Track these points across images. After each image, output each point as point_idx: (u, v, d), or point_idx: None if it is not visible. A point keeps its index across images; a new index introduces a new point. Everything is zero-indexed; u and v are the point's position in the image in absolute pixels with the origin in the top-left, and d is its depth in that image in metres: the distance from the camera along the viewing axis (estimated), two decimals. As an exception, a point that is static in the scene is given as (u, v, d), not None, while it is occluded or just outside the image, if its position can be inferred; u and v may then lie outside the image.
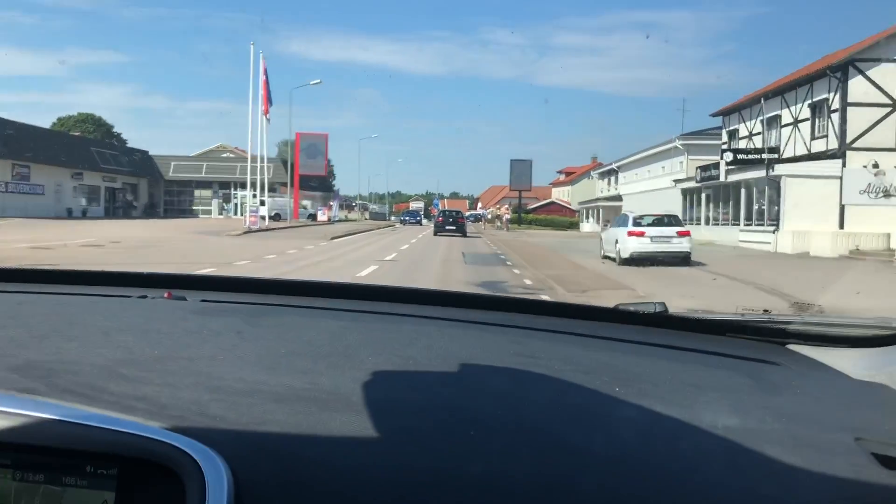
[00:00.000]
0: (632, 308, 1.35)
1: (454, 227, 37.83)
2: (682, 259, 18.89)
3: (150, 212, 57.98)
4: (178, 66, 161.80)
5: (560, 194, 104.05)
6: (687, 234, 19.15)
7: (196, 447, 0.66)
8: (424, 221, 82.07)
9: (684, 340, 1.21)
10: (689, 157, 40.50)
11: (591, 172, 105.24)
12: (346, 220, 71.83)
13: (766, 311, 2.11)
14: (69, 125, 79.02)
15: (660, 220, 19.78)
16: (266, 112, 35.64)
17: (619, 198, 56.77)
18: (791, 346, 1.19)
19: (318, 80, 43.07)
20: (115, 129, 76.24)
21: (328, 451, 0.70)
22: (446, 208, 54.86)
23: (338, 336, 1.10)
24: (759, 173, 27.24)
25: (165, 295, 1.35)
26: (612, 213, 59.49)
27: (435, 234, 37.12)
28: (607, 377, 0.94)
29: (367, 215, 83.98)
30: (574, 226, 77.02)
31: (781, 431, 0.80)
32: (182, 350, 0.98)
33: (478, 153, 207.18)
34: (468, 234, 39.03)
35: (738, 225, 29.93)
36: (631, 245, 18.76)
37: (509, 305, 1.49)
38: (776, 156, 28.25)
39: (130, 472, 0.66)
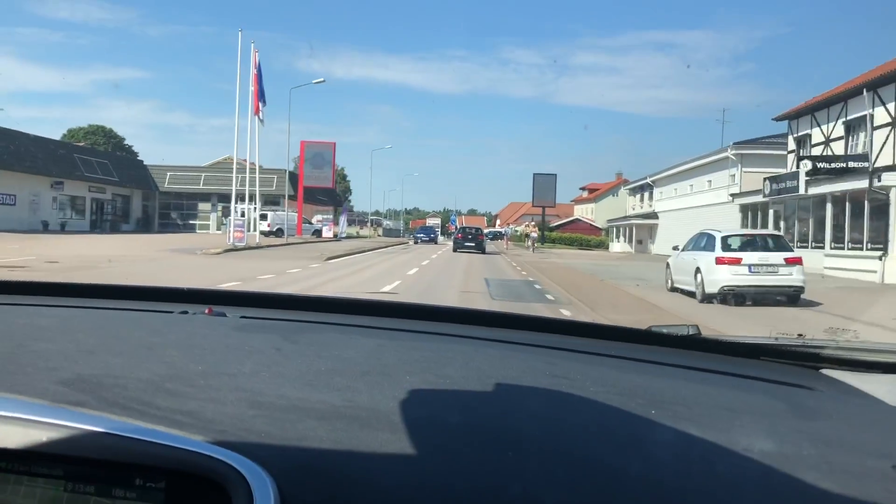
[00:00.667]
0: (665, 330, 1.36)
1: (473, 244, 37.84)
2: (792, 296, 13.65)
3: (143, 226, 53.33)
4: (200, 82, 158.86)
5: (583, 212, 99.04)
6: (798, 261, 13.81)
7: (242, 462, 0.67)
8: (441, 239, 77.87)
9: (718, 363, 1.20)
10: (744, 168, 35.15)
11: (621, 188, 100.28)
12: (357, 236, 67.05)
13: (800, 335, 1.58)
14: (79, 136, 76.26)
15: (758, 242, 14.46)
16: (257, 111, 30.68)
17: (654, 215, 51.51)
18: (825, 371, 1.18)
19: (322, 80, 39.12)
20: (126, 143, 74.36)
21: (369, 468, 0.71)
22: (465, 225, 54.87)
23: (375, 354, 1.12)
24: (857, 184, 22.00)
25: (206, 311, 1.38)
26: (645, 233, 55.00)
27: (454, 250, 37.49)
28: (642, 399, 0.94)
29: (380, 231, 79.06)
30: (601, 245, 71.77)
31: (817, 457, 0.79)
32: (224, 366, 0.99)
33: (496, 171, 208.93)
34: (487, 252, 38.58)
35: (823, 248, 24.66)
36: (722, 276, 13.54)
37: (542, 325, 1.50)
38: (866, 164, 22.91)
39: (178, 486, 0.68)
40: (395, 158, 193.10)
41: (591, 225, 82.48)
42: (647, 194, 56.28)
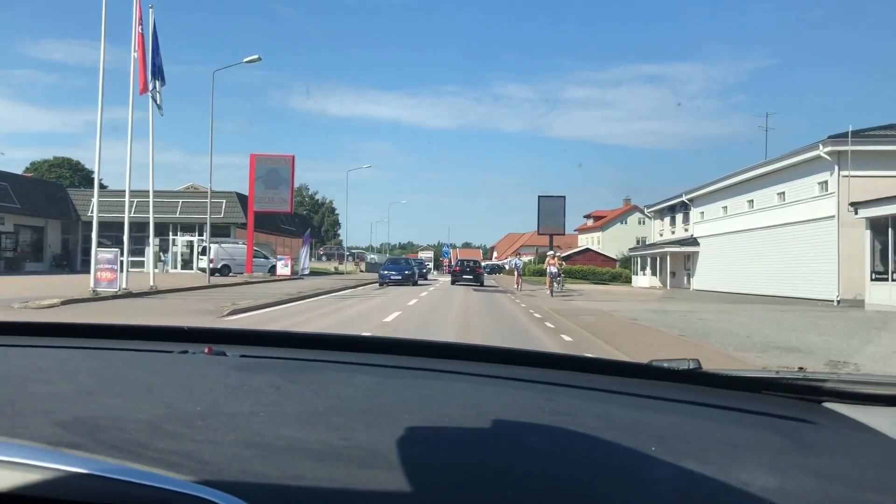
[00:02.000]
0: (665, 364, 1.34)
1: (471, 277, 37.09)
2: None
3: (61, 263, 42.77)
4: (194, 120, 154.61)
5: (588, 241, 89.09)
6: None
7: None
8: (434, 274, 69.45)
9: (719, 398, 1.20)
10: (845, 170, 24.90)
11: (630, 214, 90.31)
12: (334, 272, 56.68)
13: (800, 368, 1.83)
14: (43, 170, 68.60)
15: None
16: (143, 89, 20.30)
17: (692, 241, 41.34)
18: (827, 405, 1.17)
19: (257, 57, 30.86)
20: (96, 176, 65.79)
21: None
22: (463, 258, 50.30)
23: (373, 393, 1.12)
24: None
25: (206, 350, 1.39)
26: (679, 263, 44.70)
27: (452, 283, 36.81)
28: (642, 436, 0.94)
29: (362, 266, 68.63)
30: (617, 278, 61.43)
31: (819, 492, 0.80)
32: (223, 406, 0.99)
33: (490, 204, 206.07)
34: (488, 288, 35.72)
35: None
36: None
37: (541, 361, 1.49)
38: None
39: None
40: (388, 193, 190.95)
41: (602, 255, 72.36)
42: (679, 216, 46.17)
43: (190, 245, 45.46)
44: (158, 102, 21.29)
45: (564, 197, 56.76)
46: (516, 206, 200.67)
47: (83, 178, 69.47)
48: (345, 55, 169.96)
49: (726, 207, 36.49)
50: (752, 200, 32.92)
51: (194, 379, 1.17)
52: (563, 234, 57.29)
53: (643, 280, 49.26)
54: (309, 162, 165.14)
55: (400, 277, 37.74)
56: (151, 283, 21.15)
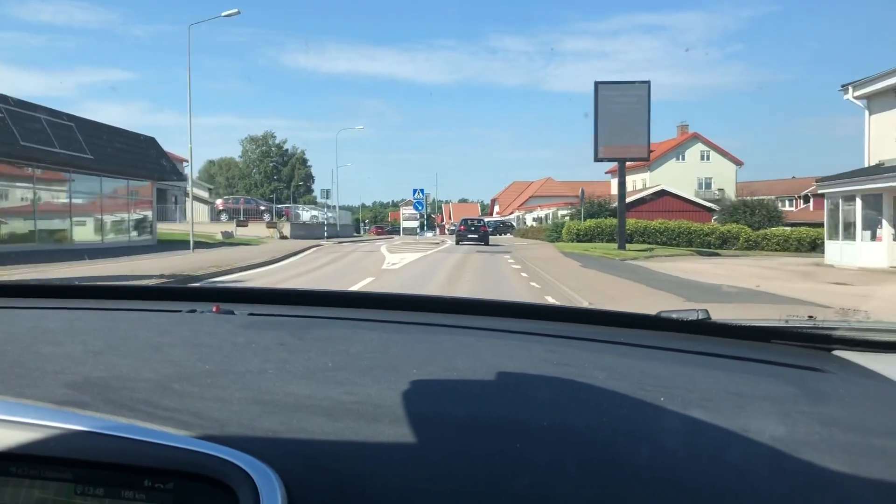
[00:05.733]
0: (674, 315, 1.34)
1: (476, 237, 35.54)
2: None
3: None
4: (186, 81, 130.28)
5: (629, 185, 62.15)
6: None
7: (249, 461, 0.68)
8: (429, 235, 57.94)
9: (728, 348, 1.20)
10: None
11: (693, 144, 62.70)
12: (216, 242, 29.83)
13: (811, 316, 1.32)
14: None
15: None
16: None
17: None
18: (837, 353, 1.18)
19: (236, 11, 24.79)
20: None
21: (377, 465, 0.71)
22: (468, 217, 46.08)
23: (382, 348, 1.12)
24: None
25: (214, 309, 1.38)
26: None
27: (457, 242, 35.76)
28: (651, 386, 0.93)
29: (285, 230, 41.14)
30: (722, 240, 34.12)
31: (829, 440, 0.79)
32: (231, 364, 0.99)
33: (489, 160, 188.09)
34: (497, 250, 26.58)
35: None
36: None
37: (548, 314, 1.50)
38: None
39: (186, 487, 0.68)
40: (383, 151, 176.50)
41: (688, 202, 44.70)
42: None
43: None
44: None
45: (648, 83, 28.58)
46: (513, 163, 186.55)
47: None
48: (336, 9, 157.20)
49: None
50: None
51: (202, 337, 1.16)
52: (647, 158, 29.53)
53: (876, 251, 21.28)
54: (302, 122, 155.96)
55: None
56: None
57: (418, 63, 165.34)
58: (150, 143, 29.97)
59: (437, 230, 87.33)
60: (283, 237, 40.58)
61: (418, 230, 59.71)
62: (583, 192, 39.94)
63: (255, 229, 41.89)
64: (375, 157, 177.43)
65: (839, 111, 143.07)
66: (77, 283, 1.65)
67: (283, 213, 46.19)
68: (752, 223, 37.57)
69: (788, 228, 36.22)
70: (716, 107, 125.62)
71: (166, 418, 0.75)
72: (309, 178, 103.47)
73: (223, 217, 44.25)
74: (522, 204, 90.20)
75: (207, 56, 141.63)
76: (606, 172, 77.23)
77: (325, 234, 41.81)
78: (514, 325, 1.34)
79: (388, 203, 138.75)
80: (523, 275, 16.79)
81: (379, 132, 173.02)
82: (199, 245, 26.58)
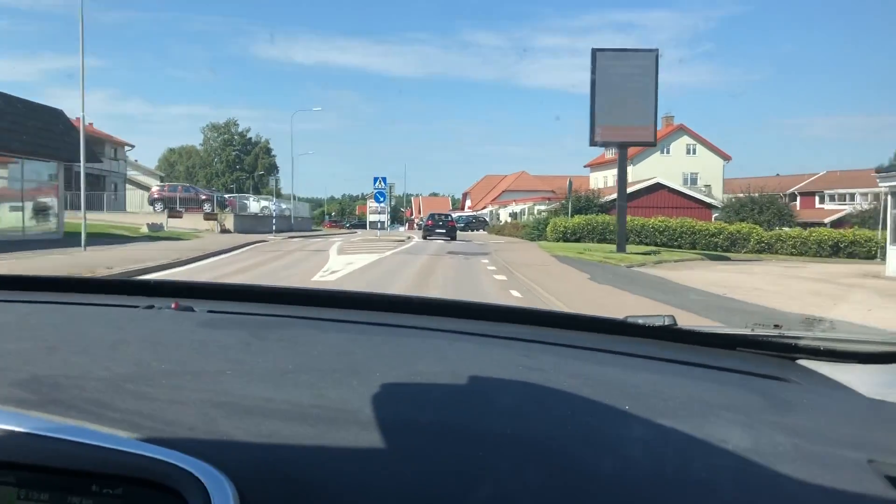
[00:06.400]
0: (641, 321, 1.33)
1: (444, 231, 35.29)
2: None
3: None
4: (156, 70, 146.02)
5: (607, 180, 57.55)
6: None
7: (202, 467, 0.65)
8: (402, 230, 56.86)
9: (694, 355, 1.20)
10: None
11: (679, 136, 58.18)
12: (122, 235, 24.40)
13: (776, 325, 1.28)
14: None
15: None
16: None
17: None
18: (802, 362, 1.18)
19: None
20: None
21: (336, 471, 0.69)
22: (436, 212, 44.46)
23: (345, 350, 1.10)
24: None
25: (173, 305, 1.34)
26: None
27: (424, 237, 35.53)
28: (617, 393, 0.94)
29: (228, 223, 35.61)
30: (731, 241, 29.53)
31: (794, 451, 0.79)
32: (189, 364, 0.97)
33: (459, 154, 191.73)
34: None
35: None
36: None
37: (516, 316, 1.47)
38: None
39: (135, 493, 0.66)
40: (353, 144, 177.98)
41: (687, 197, 39.93)
42: None
43: None
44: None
45: (657, 51, 23.65)
46: (482, 157, 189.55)
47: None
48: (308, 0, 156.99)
49: None
50: None
51: (160, 335, 1.13)
52: (654, 143, 24.50)
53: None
54: (273, 112, 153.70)
55: None
56: None
57: (390, 56, 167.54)
58: (56, 116, 24.43)
59: (406, 225, 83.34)
60: (224, 230, 35.22)
61: (385, 224, 55.24)
62: (570, 183, 35.01)
63: (192, 221, 36.37)
64: (346, 149, 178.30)
65: (812, 112, 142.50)
66: (32, 275, 1.59)
67: (227, 202, 40.43)
68: (760, 222, 33.02)
69: (804, 229, 31.75)
70: (689, 103, 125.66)
71: (117, 420, 0.72)
72: (273, 168, 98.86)
73: (157, 206, 38.54)
74: (496, 198, 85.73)
75: (176, 43, 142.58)
76: (586, 166, 72.92)
77: (274, 227, 36.29)
78: (481, 328, 1.31)
79: (358, 196, 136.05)
80: (514, 293, 11.72)
81: (350, 124, 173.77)
82: (115, 239, 21.33)
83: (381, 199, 32.85)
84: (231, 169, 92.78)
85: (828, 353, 1.16)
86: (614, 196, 38.87)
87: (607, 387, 0.97)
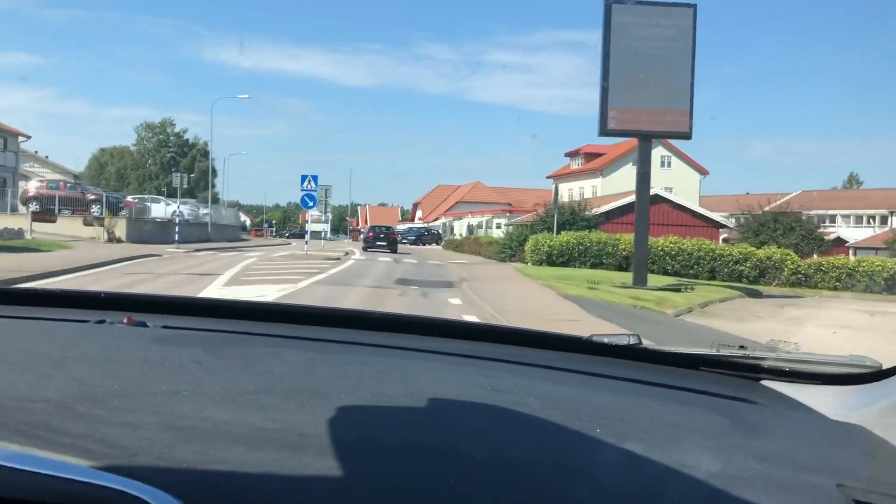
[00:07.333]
0: (606, 340, 1.32)
1: (385, 244, 34.78)
2: None
3: None
4: (101, 70, 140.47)
5: (573, 193, 51.25)
6: None
7: (158, 496, 0.62)
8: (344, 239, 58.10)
9: (659, 375, 1.20)
10: None
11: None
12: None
13: (742, 346, 1.30)
14: None
15: None
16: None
17: None
18: (766, 383, 1.19)
19: None
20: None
21: (301, 499, 0.66)
22: (377, 224, 44.24)
23: (307, 370, 1.07)
24: None
25: (125, 320, 1.28)
26: None
27: (365, 249, 34.34)
28: (586, 416, 0.92)
29: (116, 230, 27.79)
30: (759, 270, 23.05)
31: (765, 477, 0.79)
32: (142, 384, 0.92)
33: (410, 166, 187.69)
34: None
35: None
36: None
37: (480, 334, 1.45)
38: None
39: None
40: (301, 151, 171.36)
41: (693, 214, 33.31)
42: None
43: None
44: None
45: (695, 6, 16.74)
46: (435, 170, 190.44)
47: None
48: (260, 5, 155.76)
49: None
50: None
51: (111, 353, 1.08)
52: (688, 134, 17.58)
53: None
54: (219, 118, 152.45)
55: None
56: None
57: (342, 65, 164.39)
58: None
59: (351, 236, 77.42)
60: (113, 239, 27.48)
61: (326, 234, 47.96)
62: (556, 188, 28.19)
63: (72, 227, 28.75)
64: (293, 156, 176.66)
65: (752, 133, 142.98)
66: None
67: (123, 204, 32.37)
68: (787, 245, 26.67)
69: (850, 257, 25.57)
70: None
71: (67, 446, 0.69)
72: (211, 171, 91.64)
73: (33, 206, 30.32)
74: (449, 209, 79.32)
75: (123, 44, 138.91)
76: (549, 177, 66.64)
77: (177, 237, 28.52)
78: (444, 346, 1.29)
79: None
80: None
81: (298, 132, 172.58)
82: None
83: (311, 204, 25.13)
84: (165, 171, 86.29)
85: (791, 374, 1.16)
86: (607, 207, 32.49)
87: (576, 409, 0.95)
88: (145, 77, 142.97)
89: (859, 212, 57.50)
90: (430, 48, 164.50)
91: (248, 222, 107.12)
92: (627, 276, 17.94)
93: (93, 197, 31.43)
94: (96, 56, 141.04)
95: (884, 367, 1.12)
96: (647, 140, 17.09)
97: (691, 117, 17.03)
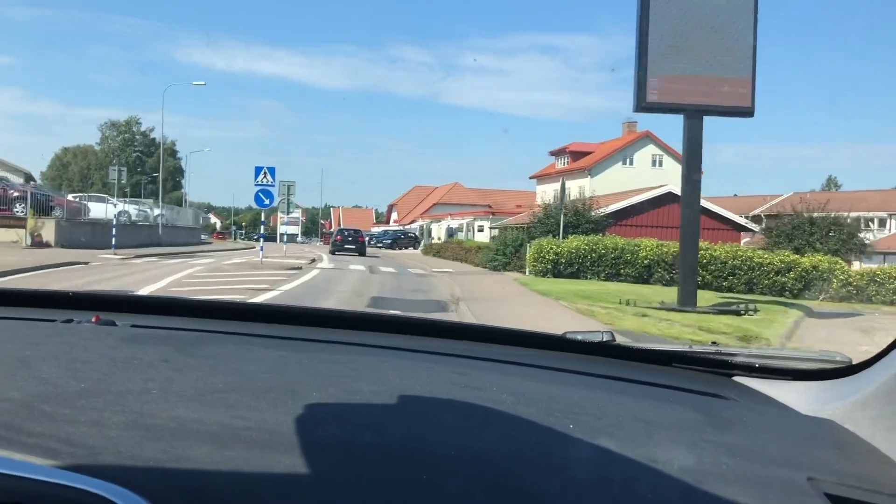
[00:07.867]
0: (579, 337, 1.33)
1: (353, 248, 35.07)
2: None
3: None
4: (70, 71, 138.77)
5: (551, 194, 47.50)
6: None
7: (125, 496, 0.61)
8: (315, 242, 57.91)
9: (632, 371, 1.21)
10: None
11: (645, 144, 48.81)
12: None
13: (714, 343, 1.39)
14: None
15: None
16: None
17: None
18: (738, 379, 1.20)
19: None
20: None
21: (273, 498, 0.66)
22: (345, 227, 42.20)
23: (279, 368, 1.06)
24: None
25: (93, 319, 1.27)
26: None
27: (332, 252, 34.86)
28: (559, 413, 0.93)
29: (42, 233, 23.42)
30: (804, 282, 19.15)
31: (737, 471, 0.80)
32: (109, 383, 0.91)
33: (384, 168, 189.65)
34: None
35: None
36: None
37: (454, 332, 1.45)
38: None
39: None
40: (275, 154, 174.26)
41: (714, 216, 29.36)
42: None
43: None
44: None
45: None
46: (408, 172, 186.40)
47: None
48: (232, 5, 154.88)
49: None
50: None
51: (78, 352, 1.06)
52: (751, 110, 13.70)
53: None
54: (193, 119, 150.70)
55: None
56: None
57: (316, 67, 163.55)
58: None
59: (322, 239, 73.68)
60: (37, 243, 23.16)
61: (289, 238, 43.78)
62: (563, 184, 24.04)
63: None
64: (267, 159, 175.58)
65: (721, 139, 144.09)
66: None
67: (55, 203, 27.91)
68: (828, 251, 23.04)
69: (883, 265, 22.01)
70: (607, 127, 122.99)
71: (31, 445, 0.67)
72: (178, 172, 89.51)
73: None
74: (426, 211, 75.29)
75: (93, 45, 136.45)
76: (532, 177, 62.84)
77: (114, 241, 24.21)
78: (418, 344, 1.29)
79: (276, 206, 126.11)
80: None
81: (273, 133, 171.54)
82: None
83: (267, 202, 20.72)
84: (131, 171, 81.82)
85: (763, 369, 1.17)
86: (617, 206, 28.32)
87: (549, 405, 0.95)
88: (116, 78, 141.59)
89: (857, 214, 54.73)
90: (405, 50, 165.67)
91: (218, 224, 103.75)
92: (662, 292, 14.21)
93: (17, 194, 26.90)
94: (66, 56, 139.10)
95: (853, 363, 1.11)
96: (697, 118, 13.20)
97: (753, 88, 13.23)
